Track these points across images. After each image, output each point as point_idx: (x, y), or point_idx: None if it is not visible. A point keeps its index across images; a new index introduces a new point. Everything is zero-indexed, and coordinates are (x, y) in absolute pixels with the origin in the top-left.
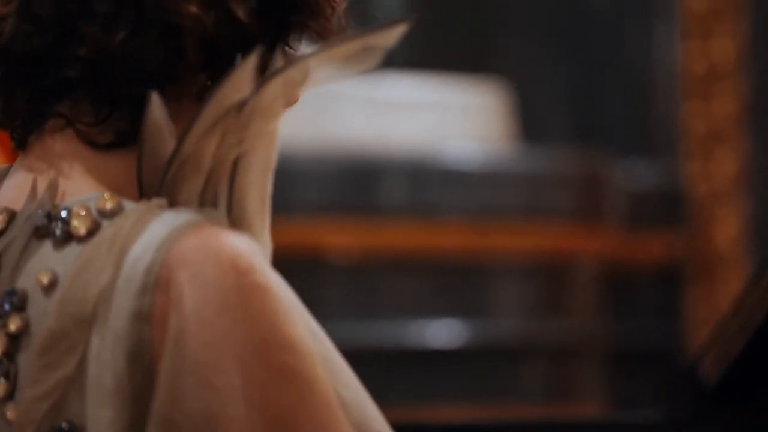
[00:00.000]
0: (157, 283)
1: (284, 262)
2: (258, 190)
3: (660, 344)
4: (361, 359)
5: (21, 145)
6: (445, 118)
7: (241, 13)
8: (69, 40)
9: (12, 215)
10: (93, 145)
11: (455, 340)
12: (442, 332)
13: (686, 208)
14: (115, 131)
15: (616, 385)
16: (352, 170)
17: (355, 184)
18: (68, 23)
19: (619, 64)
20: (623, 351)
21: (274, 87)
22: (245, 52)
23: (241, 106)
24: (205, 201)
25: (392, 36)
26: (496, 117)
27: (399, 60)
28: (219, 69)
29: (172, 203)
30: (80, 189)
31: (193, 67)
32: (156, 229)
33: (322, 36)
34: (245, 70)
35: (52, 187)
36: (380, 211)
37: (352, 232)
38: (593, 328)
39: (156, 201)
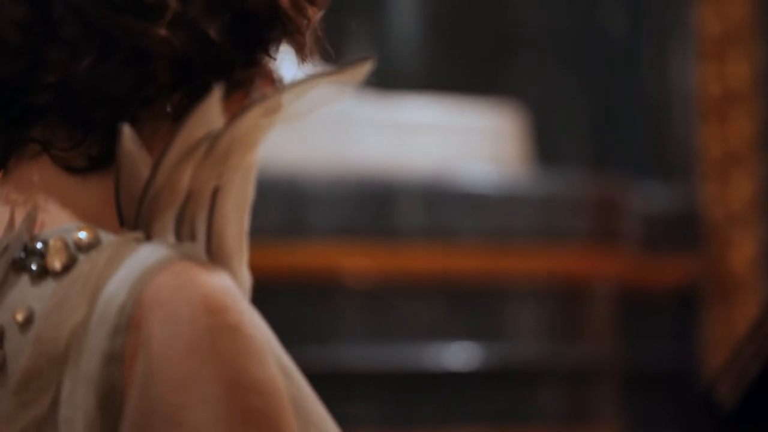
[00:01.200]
0: (130, 324)
1: (300, 284)
2: (236, 224)
3: (676, 367)
4: (377, 382)
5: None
6: (462, 141)
7: (212, 32)
8: (37, 67)
9: None
10: (69, 169)
11: (472, 363)
12: (458, 355)
13: (702, 231)
14: (89, 156)
15: (632, 408)
16: (368, 193)
17: (371, 206)
18: (35, 50)
19: (635, 86)
20: (640, 374)
21: (249, 120)
22: (219, 69)
23: (215, 137)
24: (183, 233)
25: (362, 72)
26: (512, 139)
27: (415, 82)
28: (193, 87)
29: (149, 234)
30: (58, 218)
31: (165, 89)
32: (130, 267)
33: (298, 49)
34: (213, 100)
35: (30, 218)
36: (396, 233)
37: (369, 255)
38: (609, 351)
39: (132, 234)
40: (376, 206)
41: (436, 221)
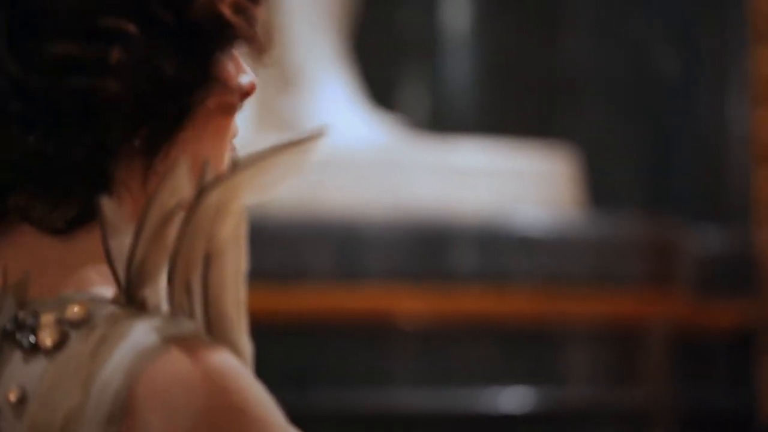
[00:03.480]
0: (125, 412)
1: (355, 327)
2: (233, 294)
3: (732, 411)
4: (431, 425)
5: None
6: (516, 184)
7: (163, 65)
8: None
9: None
10: (52, 231)
11: (526, 406)
12: (512, 398)
13: (758, 275)
14: (69, 217)
15: None
16: (422, 236)
17: (425, 249)
18: None
19: (690, 129)
20: (695, 418)
21: (217, 194)
22: (177, 95)
23: (190, 209)
24: (176, 301)
25: (317, 145)
26: (566, 183)
27: (469, 125)
28: (156, 117)
29: (143, 301)
30: (49, 284)
31: (127, 133)
32: (124, 351)
33: (252, 50)
34: (180, 171)
35: (20, 286)
36: (450, 276)
37: (423, 298)
38: (665, 394)
39: (125, 310)
40: (430, 249)
41: (489, 264)
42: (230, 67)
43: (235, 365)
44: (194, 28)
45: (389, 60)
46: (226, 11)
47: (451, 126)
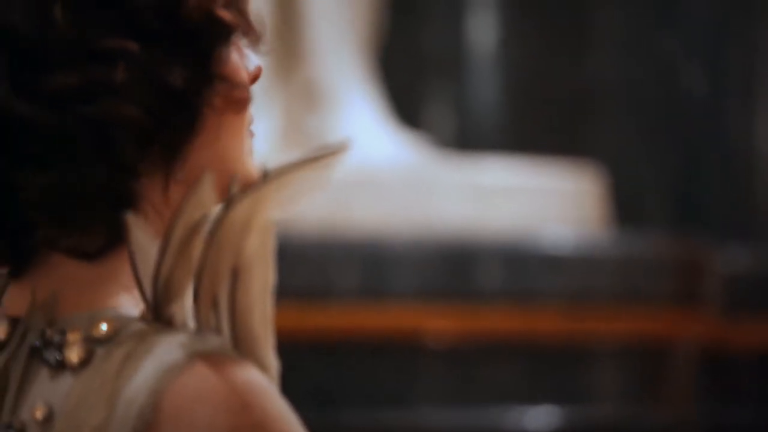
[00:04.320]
0: (150, 428)
1: (382, 346)
2: (260, 310)
3: (759, 430)
4: None
5: (16, 267)
6: (543, 203)
7: (172, 78)
8: (12, 190)
9: (14, 324)
10: (81, 257)
11: (552, 424)
12: (539, 417)
13: None
14: (96, 243)
15: None
16: (449, 254)
17: (452, 268)
18: (2, 176)
19: (717, 147)
20: None
21: (242, 209)
22: (187, 103)
23: (215, 223)
24: (202, 316)
25: (342, 159)
26: (592, 201)
27: (496, 144)
28: (171, 127)
29: (170, 317)
30: (78, 303)
31: (142, 148)
32: (149, 368)
33: (251, 42)
34: (205, 185)
35: (49, 303)
36: (477, 295)
37: (450, 317)
38: (692, 414)
39: (151, 327)
40: (457, 268)
41: (516, 283)
42: (233, 62)
43: (261, 381)
44: (189, 31)
45: (415, 78)
46: (218, 9)
47: (477, 144)
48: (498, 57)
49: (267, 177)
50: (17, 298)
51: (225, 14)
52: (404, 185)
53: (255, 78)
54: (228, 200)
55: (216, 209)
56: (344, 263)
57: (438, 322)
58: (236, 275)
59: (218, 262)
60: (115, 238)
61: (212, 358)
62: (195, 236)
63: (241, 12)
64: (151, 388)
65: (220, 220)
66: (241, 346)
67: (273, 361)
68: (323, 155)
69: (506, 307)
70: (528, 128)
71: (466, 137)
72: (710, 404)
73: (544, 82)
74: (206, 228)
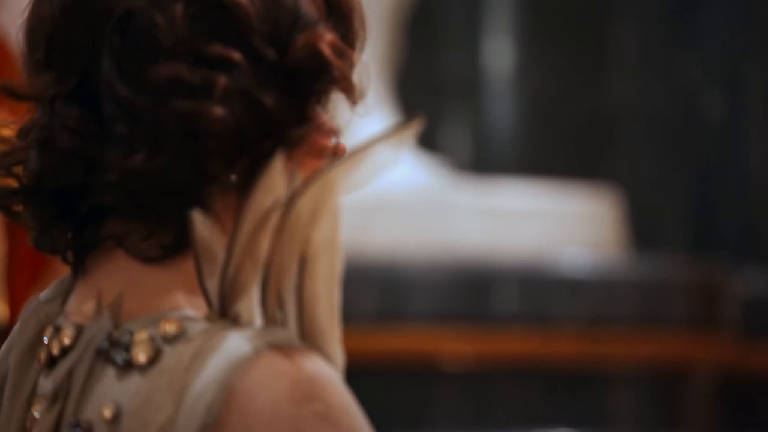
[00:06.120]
0: (218, 423)
1: (399, 368)
2: (326, 301)
3: None
4: None
5: (78, 267)
6: (559, 226)
7: (265, 98)
8: (94, 169)
9: (79, 330)
10: (146, 260)
11: None
12: None
13: None
14: (163, 245)
15: None
16: (465, 278)
17: (468, 291)
18: (89, 152)
19: (735, 170)
20: None
21: (313, 192)
22: (275, 131)
23: (284, 209)
24: (269, 311)
25: (414, 131)
26: (610, 224)
27: (513, 167)
28: (253, 154)
29: (236, 316)
30: (142, 308)
31: (225, 162)
32: (217, 363)
33: (348, 94)
34: (275, 169)
35: (115, 307)
36: (494, 318)
37: (466, 340)
38: None
39: (217, 323)
40: (473, 291)
41: (533, 306)
42: (325, 117)
43: (327, 372)
44: (295, 66)
45: (432, 101)
46: (327, 51)
47: (494, 167)
48: (515, 81)
49: (332, 162)
50: (83, 302)
51: (333, 59)
52: (421, 208)
53: (337, 154)
54: (294, 189)
55: (285, 194)
56: (361, 286)
57: (455, 346)
58: (303, 265)
59: (286, 253)
60: (181, 241)
61: (280, 350)
62: (263, 228)
63: (347, 65)
64: (220, 382)
65: (287, 210)
66: (308, 339)
67: (339, 353)
68: (392, 132)
69: (523, 330)
70: (545, 152)
71: (484, 160)
72: (728, 428)
73: (561, 105)
74: (275, 218)
